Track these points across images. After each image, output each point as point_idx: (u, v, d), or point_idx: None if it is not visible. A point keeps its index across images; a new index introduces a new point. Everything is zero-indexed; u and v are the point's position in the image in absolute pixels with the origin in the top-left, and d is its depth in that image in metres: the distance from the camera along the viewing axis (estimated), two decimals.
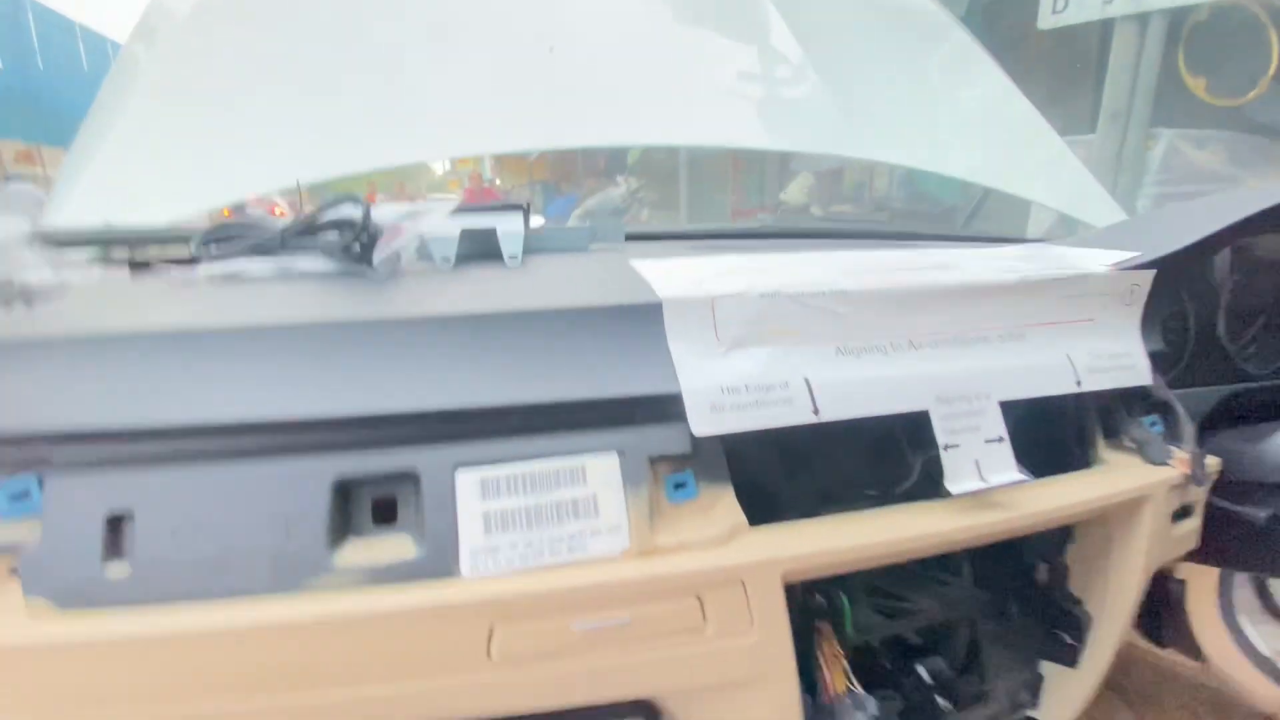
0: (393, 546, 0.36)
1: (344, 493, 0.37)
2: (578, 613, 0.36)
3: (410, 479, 0.37)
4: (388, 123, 0.87)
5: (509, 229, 0.53)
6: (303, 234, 0.50)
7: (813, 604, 0.53)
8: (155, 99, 0.89)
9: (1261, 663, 1.03)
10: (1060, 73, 2.14)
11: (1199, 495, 0.54)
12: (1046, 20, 2.02)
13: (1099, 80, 1.89)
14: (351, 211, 0.49)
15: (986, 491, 0.44)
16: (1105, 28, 1.90)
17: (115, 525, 0.34)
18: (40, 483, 0.34)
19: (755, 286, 0.44)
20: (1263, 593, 1.08)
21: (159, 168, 0.81)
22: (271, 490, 0.35)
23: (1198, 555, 0.56)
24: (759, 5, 1.17)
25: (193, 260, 0.58)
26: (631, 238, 0.68)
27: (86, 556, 0.33)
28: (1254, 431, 0.55)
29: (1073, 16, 1.91)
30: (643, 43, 1.04)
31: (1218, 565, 0.63)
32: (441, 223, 0.53)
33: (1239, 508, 0.54)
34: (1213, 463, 0.53)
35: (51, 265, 0.50)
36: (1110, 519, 0.52)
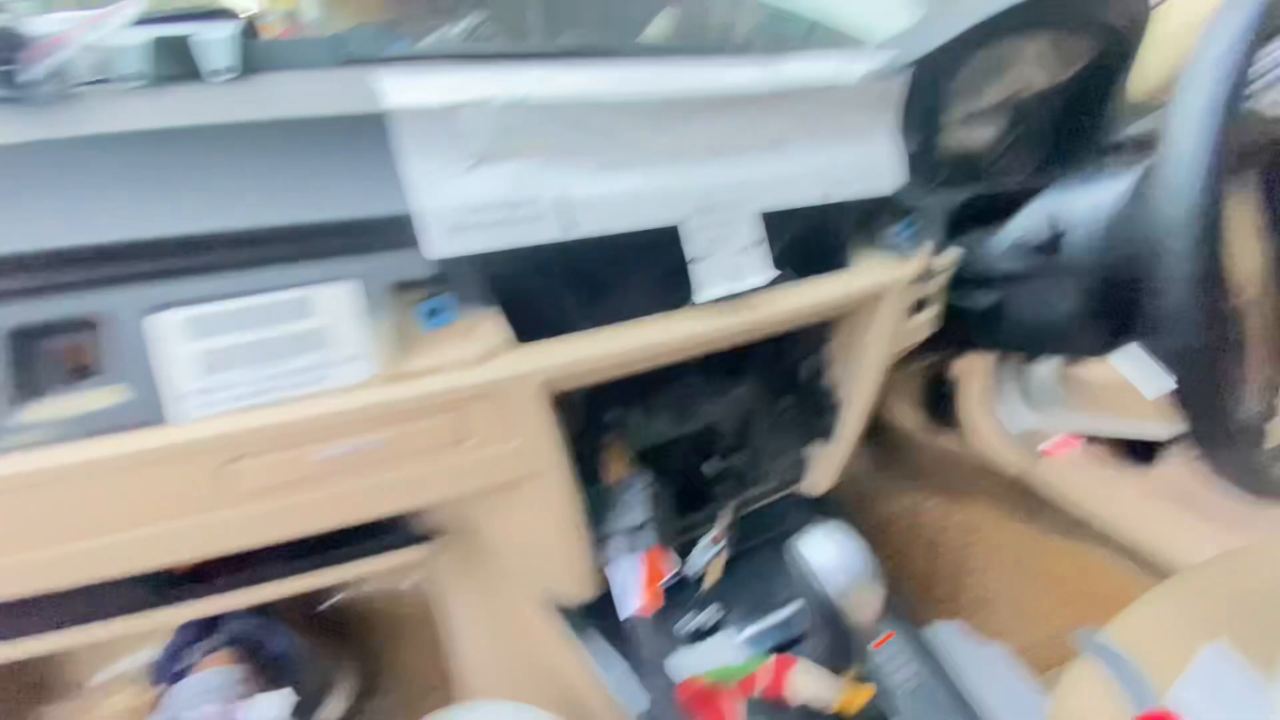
0: (94, 399, 0.33)
1: (23, 345, 0.32)
2: (322, 441, 0.36)
3: (106, 323, 0.33)
4: None
5: (214, 36, 0.44)
6: None
7: (606, 418, 0.57)
8: None
9: (1014, 438, 1.28)
10: None
11: (936, 288, 0.62)
12: None
13: None
14: None
15: (736, 296, 0.47)
16: None
17: None
18: None
19: (501, 94, 0.40)
20: (1023, 386, 1.31)
21: None
22: None
23: (937, 339, 0.65)
24: None
25: None
26: (397, 59, 0.60)
27: None
28: (982, 232, 0.63)
29: None
30: None
31: (948, 348, 0.75)
32: (125, 31, 0.43)
33: (967, 296, 0.63)
34: (946, 261, 0.61)
35: None
36: (857, 314, 0.59)
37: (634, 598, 0.50)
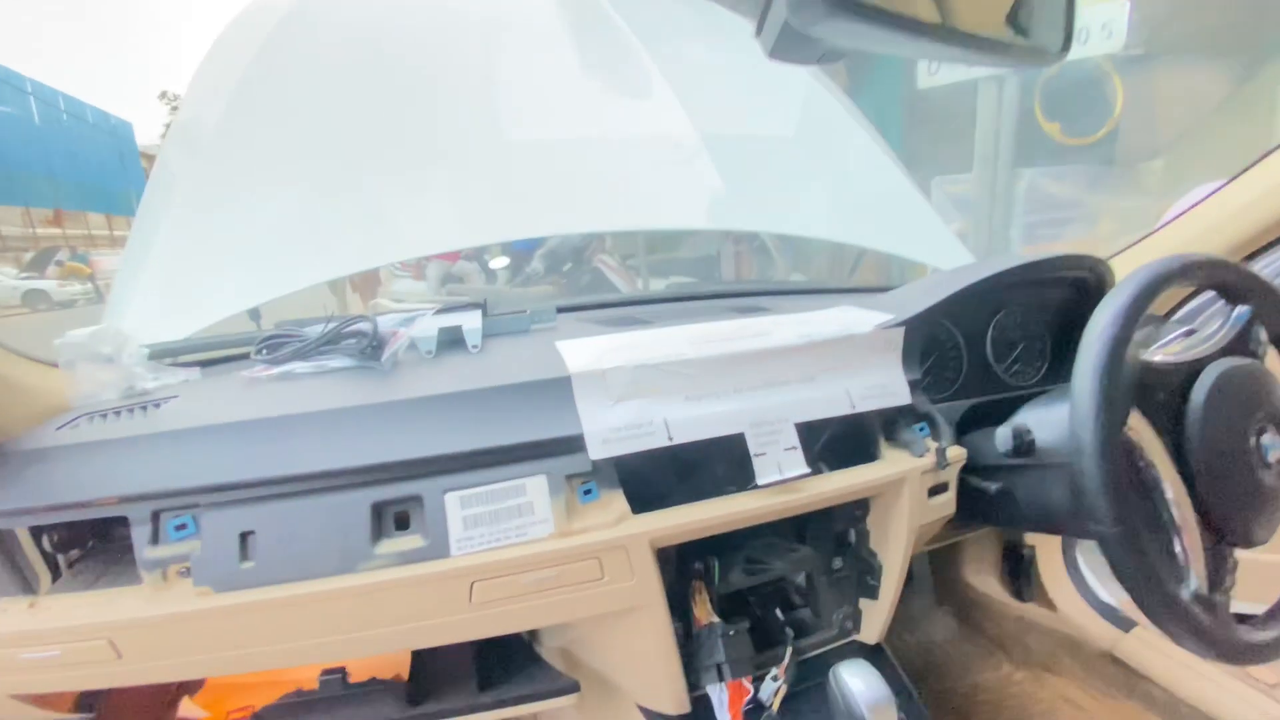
0: (408, 542, 0.60)
1: (377, 511, 0.61)
2: (523, 572, 0.60)
3: (418, 500, 0.61)
4: (386, 223, 1.11)
5: (470, 325, 0.78)
6: (330, 342, 0.74)
7: (694, 569, 0.78)
8: (191, 210, 1.10)
9: (1100, 607, 1.30)
10: (945, 124, 2.48)
11: (950, 476, 0.80)
12: (924, 81, 2.38)
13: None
14: (365, 325, 0.73)
15: (784, 481, 0.69)
16: (975, 85, 2.25)
17: (244, 539, 0.57)
18: (194, 519, 0.57)
19: (631, 360, 0.69)
20: None
21: (196, 277, 1.03)
22: (334, 512, 0.59)
23: (957, 519, 0.82)
24: (663, 93, 1.43)
25: (243, 358, 0.82)
26: (563, 310, 0.93)
27: (229, 559, 0.56)
28: (990, 430, 0.82)
29: (943, 79, 2.26)
30: (568, 142, 1.30)
31: (971, 524, 0.89)
32: (425, 324, 0.78)
33: (978, 482, 0.80)
34: (956, 452, 0.79)
35: (152, 372, 0.74)
36: (886, 495, 0.78)
37: (725, 716, 0.68)
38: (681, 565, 0.78)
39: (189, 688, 0.77)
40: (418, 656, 0.76)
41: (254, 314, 1.06)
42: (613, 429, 0.66)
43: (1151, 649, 1.15)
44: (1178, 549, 0.61)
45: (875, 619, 0.82)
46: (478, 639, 0.62)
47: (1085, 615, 1.28)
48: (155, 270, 1.01)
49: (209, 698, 0.72)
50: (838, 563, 0.84)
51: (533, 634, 0.82)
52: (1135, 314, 0.62)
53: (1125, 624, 1.22)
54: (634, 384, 0.68)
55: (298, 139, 1.19)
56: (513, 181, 1.21)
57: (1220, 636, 0.58)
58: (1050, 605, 1.30)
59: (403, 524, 0.61)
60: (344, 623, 0.58)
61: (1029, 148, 2.15)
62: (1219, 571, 0.62)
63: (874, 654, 0.83)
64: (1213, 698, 1.04)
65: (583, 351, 0.71)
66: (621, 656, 0.73)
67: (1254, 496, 0.62)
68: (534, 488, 0.63)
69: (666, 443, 0.67)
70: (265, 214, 1.09)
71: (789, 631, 0.80)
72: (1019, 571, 1.35)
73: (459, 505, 0.61)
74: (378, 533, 0.60)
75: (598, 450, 0.64)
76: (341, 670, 0.72)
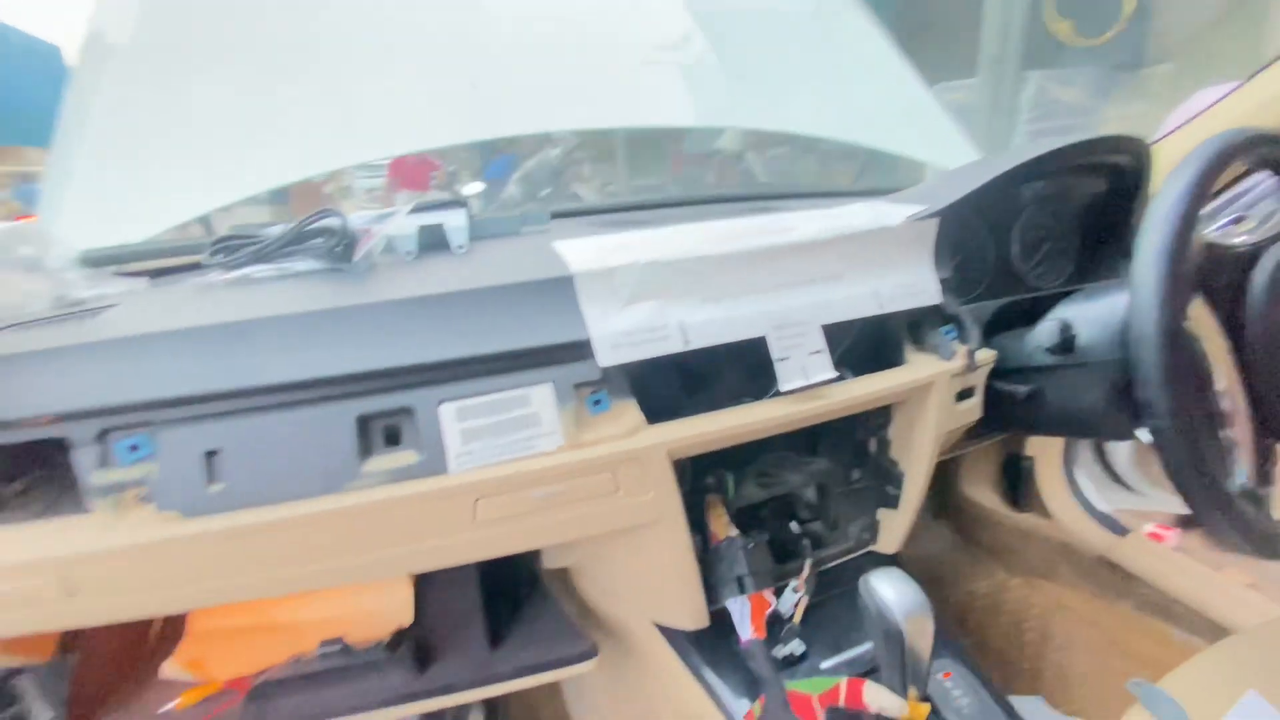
0: (401, 458, 0.53)
1: (363, 425, 0.54)
2: (533, 487, 0.55)
3: (408, 412, 0.54)
4: (336, 126, 0.99)
5: (454, 224, 0.68)
6: (293, 242, 0.65)
7: (706, 483, 0.74)
8: (113, 121, 0.97)
9: (1096, 515, 1.31)
10: (949, 23, 2.32)
11: (978, 380, 0.75)
12: None
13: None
14: (333, 221, 0.64)
15: (810, 388, 0.64)
16: None
17: (210, 459, 0.50)
18: (150, 438, 0.50)
19: (641, 258, 0.61)
20: (1103, 461, 1.35)
21: (129, 186, 0.91)
22: (313, 426, 0.52)
23: (983, 424, 0.78)
24: None
25: (196, 268, 0.72)
26: (556, 215, 0.84)
27: (195, 481, 0.50)
28: (1020, 331, 0.76)
29: None
30: (550, 33, 1.16)
31: (998, 431, 0.86)
32: (402, 222, 0.68)
33: (1007, 386, 0.76)
34: (985, 355, 0.74)
35: (88, 280, 0.64)
36: (911, 401, 0.73)
37: (747, 628, 0.65)
38: (695, 480, 0.73)
39: (167, 638, 0.72)
40: (420, 609, 0.71)
41: (205, 223, 0.95)
42: (623, 333, 0.59)
43: (1145, 552, 1.17)
44: (1228, 443, 0.57)
45: (894, 529, 0.79)
46: (484, 559, 0.56)
47: (1081, 523, 1.29)
48: (87, 174, 0.89)
49: (190, 655, 0.67)
50: (856, 474, 0.80)
51: (535, 553, 0.77)
52: (1205, 189, 0.56)
53: (1120, 530, 1.24)
54: (645, 283, 0.61)
55: (239, 24, 1.04)
56: (484, 75, 1.08)
57: (1266, 531, 0.56)
58: (1046, 514, 1.31)
59: (394, 439, 0.55)
60: (333, 547, 0.52)
61: (1035, 50, 2.03)
62: (1266, 466, 0.59)
63: (890, 564, 0.81)
64: (1204, 596, 1.06)
65: (585, 250, 0.63)
66: (636, 573, 0.69)
67: None
68: (539, 397, 0.56)
69: (682, 348, 0.60)
70: (204, 111, 0.96)
71: (806, 543, 0.76)
72: (1017, 483, 1.36)
73: (456, 417, 0.54)
74: (365, 449, 0.53)
75: (607, 356, 0.58)
76: (339, 641, 0.67)
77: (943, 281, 0.73)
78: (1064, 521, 1.29)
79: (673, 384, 0.70)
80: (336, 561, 0.53)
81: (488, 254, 0.69)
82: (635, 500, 0.59)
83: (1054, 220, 0.90)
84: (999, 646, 1.19)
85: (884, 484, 0.78)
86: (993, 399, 0.77)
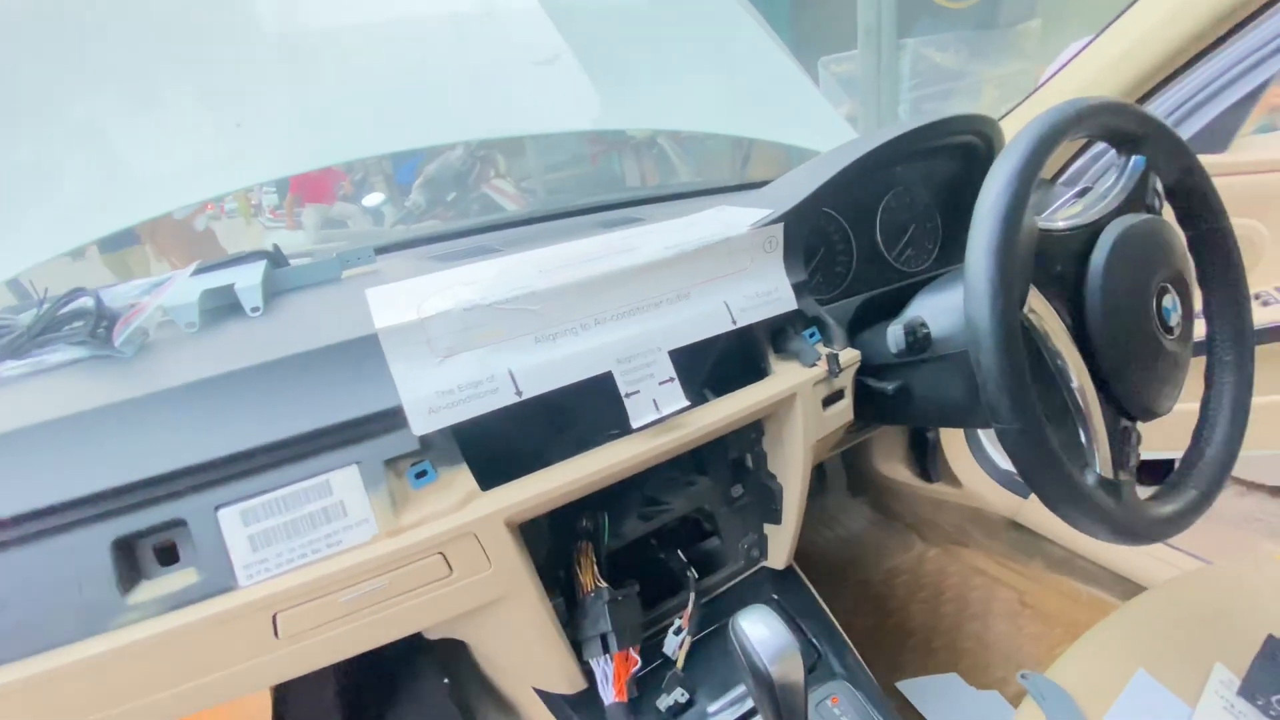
0: (179, 579, 0.46)
1: (125, 548, 0.45)
2: (342, 589, 0.48)
3: (181, 524, 0.46)
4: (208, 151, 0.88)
5: (246, 284, 0.60)
6: (46, 330, 0.55)
7: (579, 527, 0.68)
8: None
9: (1001, 477, 1.34)
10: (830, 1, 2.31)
11: (846, 382, 0.73)
12: None
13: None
14: (84, 301, 0.54)
15: (663, 420, 0.59)
16: None
17: None
18: None
19: (460, 302, 0.54)
20: None
21: None
22: (63, 559, 0.44)
23: (857, 421, 0.76)
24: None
25: None
26: (381, 251, 0.76)
27: None
28: (883, 326, 0.74)
29: None
30: (436, 47, 1.07)
31: (874, 424, 0.84)
32: (181, 288, 0.59)
33: (875, 383, 0.73)
34: (849, 355, 0.72)
35: None
36: (779, 414, 0.70)
37: (609, 691, 0.60)
38: (568, 525, 0.68)
39: None
40: (279, 702, 0.64)
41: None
42: (442, 392, 0.53)
43: (1049, 512, 1.20)
44: (1081, 435, 0.56)
45: (781, 543, 0.76)
46: (294, 677, 0.49)
47: (987, 487, 1.32)
48: None
49: None
50: (737, 490, 0.76)
51: None
52: (1031, 175, 0.53)
53: (1024, 491, 1.27)
54: (466, 331, 0.54)
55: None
56: (349, 94, 0.99)
57: (1127, 518, 0.55)
58: (956, 482, 1.33)
59: (169, 558, 0.47)
60: (109, 695, 0.44)
61: (909, 17, 2.03)
62: (1123, 451, 0.58)
63: (784, 578, 0.78)
64: (1106, 551, 1.10)
65: (398, 298, 0.56)
66: (504, 642, 0.64)
67: (1157, 366, 0.58)
68: (343, 482, 0.49)
69: (515, 399, 0.54)
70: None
71: (691, 575, 0.73)
72: (925, 454, 1.37)
73: (239, 522, 0.47)
74: (131, 575, 0.45)
75: (422, 423, 0.51)
76: None
77: (798, 285, 0.70)
78: (972, 488, 1.31)
79: (526, 431, 0.64)
80: (117, 709, 0.45)
81: (288, 313, 0.60)
82: (474, 580, 0.53)
83: (915, 203, 0.89)
84: (920, 623, 1.20)
85: (766, 499, 0.75)
86: (863, 395, 0.75)
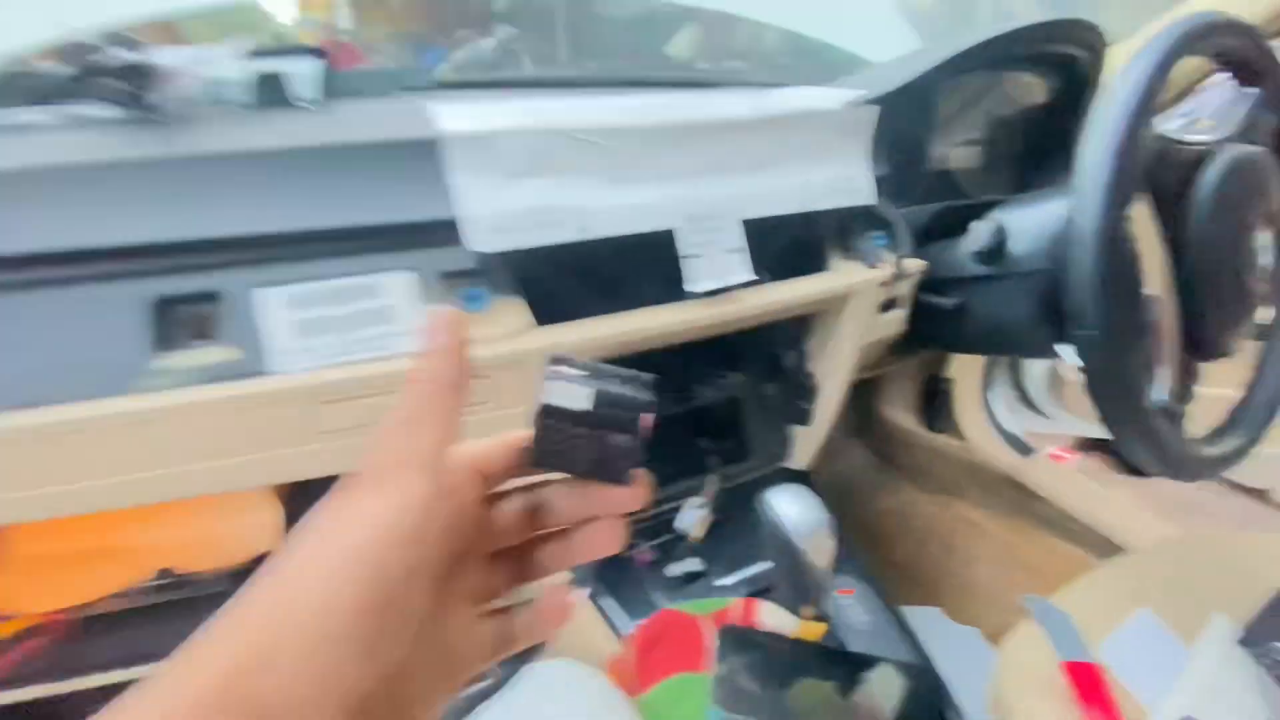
0: (216, 354, 0.43)
1: (162, 311, 0.43)
2: (388, 394, 0.46)
3: (217, 298, 0.43)
4: None
5: (301, 71, 0.55)
6: (81, 81, 0.50)
7: None
8: None
9: (1006, 436, 1.35)
10: None
11: (905, 291, 0.70)
12: None
13: None
14: (127, 55, 0.49)
15: (724, 291, 0.57)
16: None
17: None
18: None
19: (534, 123, 0.50)
20: (1018, 385, 1.38)
21: None
22: (92, 309, 0.41)
23: (904, 340, 0.74)
24: None
25: None
26: (445, 85, 0.71)
27: None
28: (951, 242, 0.71)
29: None
30: None
31: (918, 347, 0.82)
32: (232, 65, 0.54)
33: (933, 299, 0.71)
34: (914, 264, 0.69)
35: None
36: (833, 311, 0.67)
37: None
38: None
39: None
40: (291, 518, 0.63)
41: None
42: (504, 214, 0.49)
43: (1046, 472, 1.21)
44: (1150, 356, 0.54)
45: (807, 445, 0.75)
46: (334, 474, 0.48)
47: (991, 444, 1.32)
48: None
49: (3, 585, 0.56)
50: (769, 388, 0.75)
51: None
52: (1162, 76, 0.49)
53: (1027, 451, 1.28)
54: (535, 156, 0.51)
55: None
56: None
57: (1177, 450, 0.54)
58: (960, 436, 1.34)
59: (204, 332, 0.44)
60: (123, 461, 0.42)
61: None
62: (1185, 383, 0.56)
63: (799, 481, 0.78)
64: (1096, 513, 1.11)
65: (465, 112, 0.51)
66: None
67: (1237, 303, 0.56)
68: (396, 288, 0.47)
69: (577, 237, 0.51)
70: None
71: (714, 459, 0.72)
72: (935, 405, 1.37)
73: (287, 305, 0.44)
74: (164, 340, 0.43)
75: (482, 240, 0.48)
76: (171, 574, 0.57)
77: (878, 180, 0.66)
78: (976, 443, 1.32)
79: (570, 283, 0.61)
80: (130, 476, 0.43)
81: (343, 112, 0.56)
82: (514, 412, 0.51)
83: (998, 124, 0.84)
84: (904, 560, 1.22)
85: (798, 399, 0.74)
86: (917, 312, 0.73)
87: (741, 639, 0.52)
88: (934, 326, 0.74)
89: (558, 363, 0.22)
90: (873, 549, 1.23)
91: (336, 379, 0.44)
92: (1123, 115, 0.48)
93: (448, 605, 0.21)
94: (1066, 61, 0.78)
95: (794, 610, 0.56)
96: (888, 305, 0.69)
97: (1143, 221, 0.52)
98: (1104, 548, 1.08)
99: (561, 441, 0.22)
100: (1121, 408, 0.51)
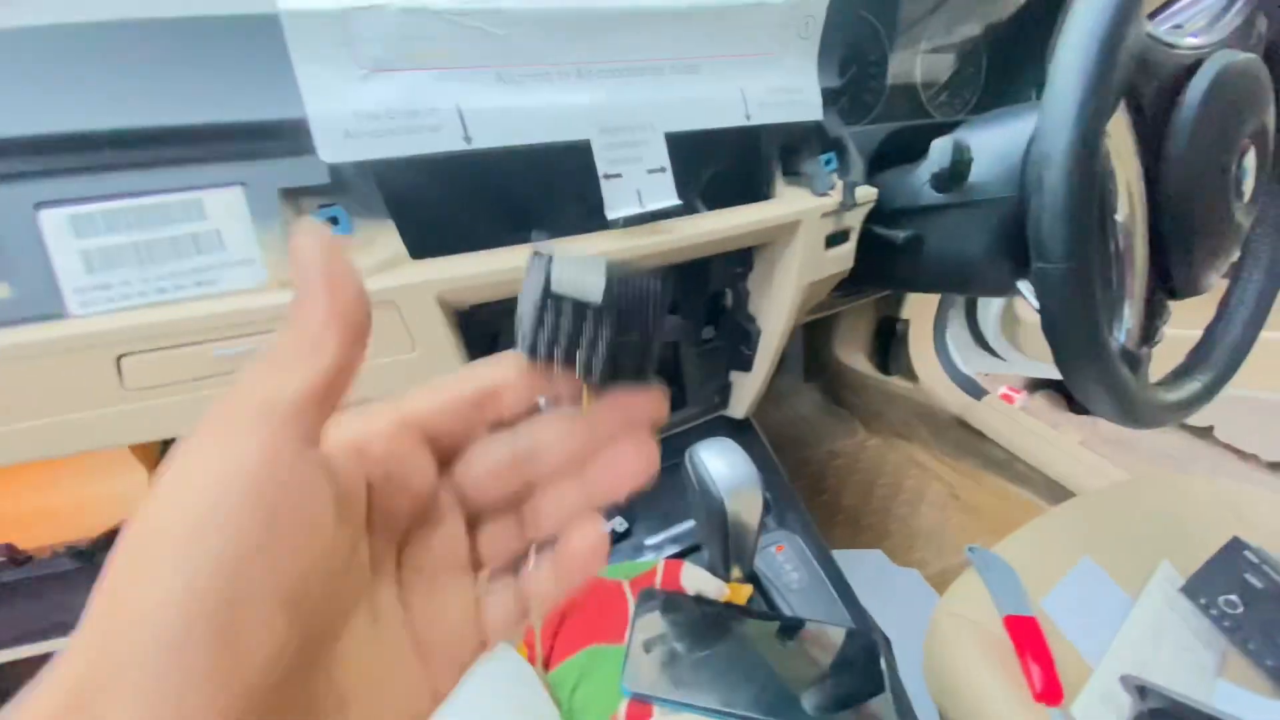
0: None
1: None
2: (214, 341, 0.37)
3: None
4: None
5: None
6: None
7: None
8: None
9: (958, 378, 1.32)
10: None
11: (854, 222, 0.63)
12: None
13: None
14: None
15: (647, 216, 0.48)
16: None
17: None
18: None
19: (401, 0, 0.40)
20: (972, 327, 1.35)
21: None
22: None
23: (851, 277, 0.67)
24: None
25: None
26: None
27: None
28: (907, 167, 0.64)
29: None
30: None
31: (872, 284, 0.76)
32: None
33: (885, 231, 0.64)
34: (866, 192, 0.62)
35: None
36: (775, 244, 0.60)
37: None
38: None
39: None
40: None
41: None
42: (364, 114, 0.40)
43: (997, 414, 1.20)
44: (1116, 293, 0.49)
45: (746, 392, 0.70)
46: (143, 442, 0.40)
47: (943, 385, 1.30)
48: None
49: None
50: (709, 331, 0.68)
51: None
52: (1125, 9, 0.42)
53: (978, 393, 1.26)
54: (403, 41, 0.40)
55: None
56: None
57: (1137, 396, 0.49)
58: (913, 378, 1.31)
59: None
60: None
61: None
62: (1152, 323, 0.51)
63: (741, 429, 0.73)
64: (1042, 454, 1.11)
65: None
66: None
67: (1220, 234, 0.50)
68: (221, 206, 0.37)
69: (461, 145, 0.42)
70: None
71: None
72: (889, 346, 1.34)
73: (69, 230, 0.34)
74: None
75: (334, 149, 0.39)
76: (12, 550, 0.49)
77: (828, 92, 0.58)
78: (928, 385, 1.30)
79: (472, 203, 0.52)
80: None
81: None
82: (389, 361, 0.43)
83: (962, 37, 0.75)
84: (850, 503, 1.22)
85: (738, 343, 0.67)
86: (866, 247, 0.66)
87: (661, 604, 0.47)
88: (884, 263, 0.67)
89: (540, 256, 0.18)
90: (819, 493, 1.22)
91: (136, 324, 0.35)
92: (1108, 6, 0.41)
93: (414, 589, 0.18)
94: None
95: (722, 571, 0.51)
96: (834, 239, 0.62)
97: (1120, 137, 0.45)
98: (1051, 490, 1.07)
99: (565, 340, 0.18)
100: (1081, 350, 0.46)
